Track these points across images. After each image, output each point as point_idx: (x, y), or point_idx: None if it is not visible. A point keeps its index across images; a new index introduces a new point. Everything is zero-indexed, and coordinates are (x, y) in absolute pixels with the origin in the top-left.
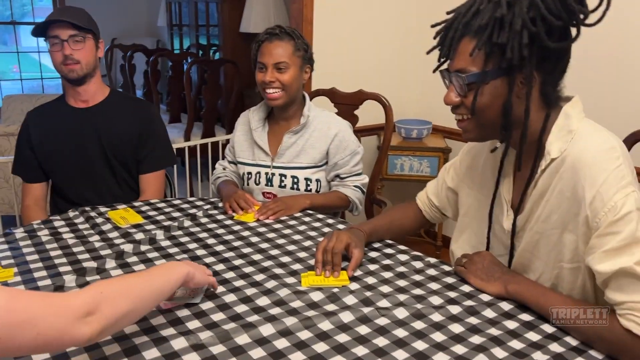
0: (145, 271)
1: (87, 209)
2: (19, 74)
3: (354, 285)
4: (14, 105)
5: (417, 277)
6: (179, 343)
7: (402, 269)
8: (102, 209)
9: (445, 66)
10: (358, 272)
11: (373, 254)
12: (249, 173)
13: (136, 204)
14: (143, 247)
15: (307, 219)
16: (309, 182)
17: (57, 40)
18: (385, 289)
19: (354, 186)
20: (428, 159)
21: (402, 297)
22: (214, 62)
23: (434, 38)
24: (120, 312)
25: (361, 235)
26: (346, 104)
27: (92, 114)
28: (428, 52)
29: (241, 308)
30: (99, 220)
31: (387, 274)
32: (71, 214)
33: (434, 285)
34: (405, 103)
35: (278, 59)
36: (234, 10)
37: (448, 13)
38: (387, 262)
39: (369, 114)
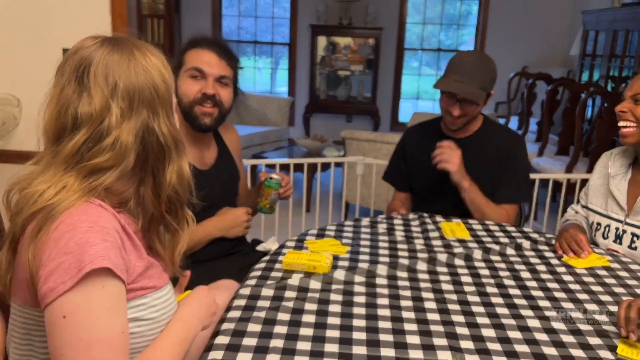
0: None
1: (425, 215)
2: None
3: None
4: None
5: None
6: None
7: None
8: (438, 219)
9: None
10: None
11: None
12: (599, 224)
13: (471, 220)
14: (457, 261)
15: None
16: None
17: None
18: None
19: None
20: None
21: None
22: (615, 94)
23: None
24: None
25: None
26: None
27: (461, 145)
28: None
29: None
30: (430, 227)
31: None
32: (411, 216)
33: None
34: None
35: None
36: None
37: None
38: None
39: None
